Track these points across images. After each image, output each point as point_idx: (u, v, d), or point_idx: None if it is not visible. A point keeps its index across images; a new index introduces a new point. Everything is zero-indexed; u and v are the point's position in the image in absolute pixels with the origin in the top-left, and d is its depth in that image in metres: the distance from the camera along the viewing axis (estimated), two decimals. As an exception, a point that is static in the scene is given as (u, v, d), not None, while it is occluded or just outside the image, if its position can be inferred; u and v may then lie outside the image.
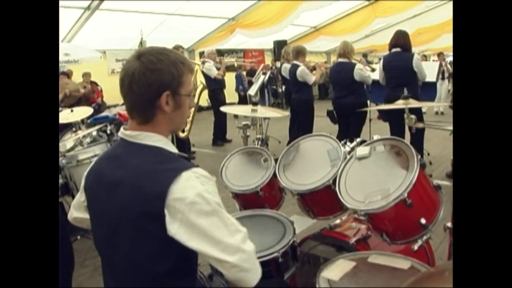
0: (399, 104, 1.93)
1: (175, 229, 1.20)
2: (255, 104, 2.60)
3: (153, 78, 1.26)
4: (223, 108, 3.12)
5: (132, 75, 1.26)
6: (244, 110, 2.65)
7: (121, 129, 1.38)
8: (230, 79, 11.33)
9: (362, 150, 2.03)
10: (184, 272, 1.34)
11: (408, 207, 1.75)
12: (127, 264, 1.31)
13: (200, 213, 1.20)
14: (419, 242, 2.16)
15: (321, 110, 6.32)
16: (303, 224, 3.23)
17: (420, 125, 1.96)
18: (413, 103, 2.00)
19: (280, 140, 7.38)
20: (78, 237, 3.87)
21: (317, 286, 1.64)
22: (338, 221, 2.35)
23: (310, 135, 2.43)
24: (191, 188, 1.20)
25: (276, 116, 2.62)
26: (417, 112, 4.91)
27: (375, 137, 2.10)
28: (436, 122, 7.99)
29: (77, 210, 1.60)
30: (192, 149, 7.29)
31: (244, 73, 13.80)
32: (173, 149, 1.37)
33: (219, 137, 7.94)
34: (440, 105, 9.71)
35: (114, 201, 1.29)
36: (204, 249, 1.22)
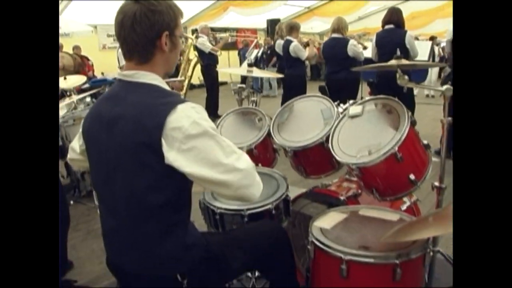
0: (392, 63, 1.97)
1: (172, 156, 1.25)
2: (250, 65, 2.62)
3: (155, 19, 1.32)
4: (221, 69, 3.12)
5: (134, 16, 1.30)
6: (240, 71, 2.67)
7: (118, 70, 1.42)
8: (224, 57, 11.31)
9: (354, 109, 2.08)
10: (179, 206, 1.40)
11: (398, 161, 1.81)
12: (124, 198, 1.36)
13: (196, 137, 1.26)
14: (407, 203, 2.24)
15: (314, 90, 6.34)
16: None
17: (411, 84, 2.00)
18: (405, 63, 2.03)
19: (272, 117, 7.40)
20: (71, 202, 3.91)
21: (310, 235, 1.70)
22: (329, 182, 2.41)
23: (304, 95, 2.47)
24: (186, 118, 1.26)
25: (271, 77, 2.63)
26: (410, 93, 4.97)
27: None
28: (427, 104, 8.08)
29: (73, 152, 1.65)
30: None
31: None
32: (168, 88, 1.42)
33: (211, 112, 7.93)
34: (431, 88, 9.77)
35: (113, 137, 1.34)
36: (201, 173, 1.27)
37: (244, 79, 6.59)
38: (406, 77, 2.00)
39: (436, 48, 10.48)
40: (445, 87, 1.94)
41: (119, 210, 1.39)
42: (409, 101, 4.98)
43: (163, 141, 1.25)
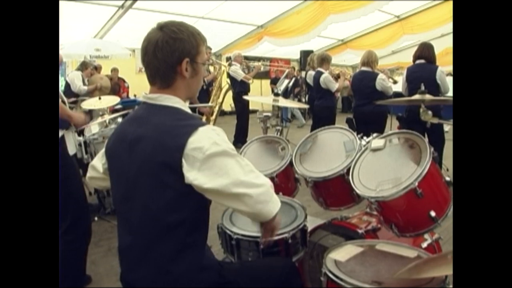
0: (416, 98, 1.98)
1: (193, 175, 1.31)
2: (277, 94, 2.67)
3: (176, 46, 1.40)
4: (246, 97, 3.19)
5: (156, 43, 1.39)
6: (266, 100, 2.73)
7: (143, 93, 1.50)
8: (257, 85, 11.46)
9: (377, 142, 2.08)
10: (196, 226, 1.44)
11: (418, 197, 1.79)
12: (142, 215, 1.41)
13: (216, 155, 1.31)
14: (429, 240, 2.20)
15: (343, 122, 6.34)
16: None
17: (435, 120, 2.00)
18: (429, 98, 2.03)
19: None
20: (96, 218, 4.01)
21: (323, 266, 1.69)
22: (350, 215, 2.40)
23: (328, 127, 2.49)
24: (207, 139, 1.32)
25: (296, 107, 2.67)
26: (439, 129, 4.91)
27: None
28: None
29: (93, 170, 1.71)
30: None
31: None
32: (190, 111, 1.49)
33: (240, 140, 8.01)
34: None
35: (135, 156, 1.40)
36: (220, 186, 1.32)
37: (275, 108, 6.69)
38: (430, 112, 2.01)
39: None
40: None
41: (136, 227, 1.43)
42: (438, 137, 4.91)
43: (183, 161, 1.31)
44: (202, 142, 1.31)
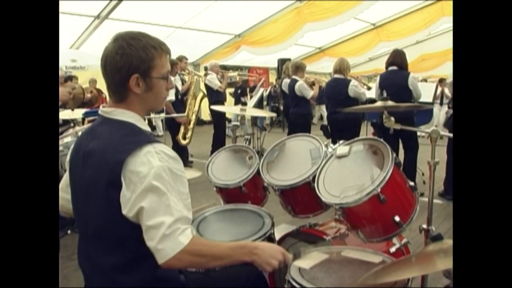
0: (378, 105, 2.00)
1: (126, 197, 1.29)
2: (244, 104, 2.68)
3: (122, 62, 1.35)
4: (213, 107, 3.19)
5: (106, 59, 1.37)
6: (234, 109, 2.74)
7: (101, 106, 1.47)
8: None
9: (341, 149, 2.10)
10: None
11: (381, 202, 1.80)
12: (95, 229, 1.39)
13: (147, 190, 1.27)
14: (397, 245, 2.21)
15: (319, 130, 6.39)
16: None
17: (398, 126, 2.03)
18: (391, 104, 2.06)
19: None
20: (68, 231, 3.93)
21: (287, 274, 1.69)
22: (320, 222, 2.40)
23: (296, 135, 2.50)
24: (147, 164, 1.28)
25: (262, 116, 2.68)
26: (413, 134, 4.99)
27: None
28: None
29: (63, 191, 1.65)
30: (190, 159, 7.38)
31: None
32: (145, 127, 1.45)
33: (217, 149, 7.99)
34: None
35: (85, 170, 1.39)
36: (140, 219, 1.29)
37: (254, 118, 6.71)
38: (392, 118, 2.03)
39: (446, 90, 10.52)
40: (431, 129, 1.97)
41: (89, 239, 1.42)
42: (412, 142, 4.99)
43: (122, 180, 1.29)
44: (141, 166, 1.28)
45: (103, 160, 1.32)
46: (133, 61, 1.35)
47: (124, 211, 1.29)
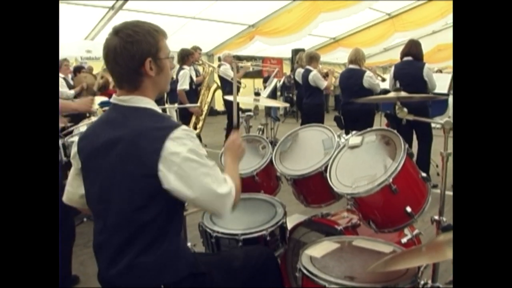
0: (392, 96, 2.00)
1: (171, 180, 1.35)
2: (257, 94, 2.69)
3: (135, 50, 1.39)
4: (227, 97, 3.21)
5: (115, 50, 1.39)
6: (248, 100, 2.76)
7: (113, 95, 1.50)
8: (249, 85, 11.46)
9: (354, 140, 2.10)
10: (171, 218, 1.46)
11: (393, 193, 1.81)
12: (117, 217, 1.42)
13: (192, 164, 1.36)
14: (409, 235, 2.22)
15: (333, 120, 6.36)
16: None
17: (411, 117, 2.02)
18: (404, 95, 2.05)
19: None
20: (85, 219, 4.01)
21: (299, 263, 1.71)
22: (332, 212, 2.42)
23: (309, 125, 2.51)
24: (183, 145, 1.35)
25: (276, 106, 2.68)
26: (427, 126, 4.95)
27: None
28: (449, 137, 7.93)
29: (70, 185, 1.67)
30: (204, 148, 7.41)
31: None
32: (160, 111, 1.52)
33: (231, 139, 8.01)
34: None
35: (110, 158, 1.41)
36: (192, 196, 1.39)
37: (268, 108, 6.72)
38: (405, 109, 2.02)
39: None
40: (444, 119, 1.96)
41: (111, 227, 1.45)
42: (426, 133, 4.95)
43: (160, 166, 1.33)
44: (179, 148, 1.35)
45: (135, 148, 1.36)
46: (144, 46, 1.40)
47: (176, 189, 1.37)
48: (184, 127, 1.42)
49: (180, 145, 1.35)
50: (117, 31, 1.40)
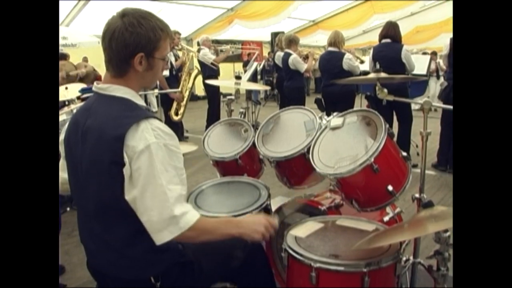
0: (372, 77, 2.02)
1: (127, 170, 1.33)
2: (238, 77, 2.69)
3: (131, 40, 1.36)
4: (208, 81, 3.20)
5: (113, 32, 1.37)
6: (228, 83, 2.75)
7: (94, 83, 1.49)
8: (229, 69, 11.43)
9: (335, 121, 2.12)
10: None
11: (374, 172, 1.83)
12: (96, 204, 1.42)
13: (141, 164, 1.31)
14: (391, 214, 2.27)
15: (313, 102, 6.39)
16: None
17: (391, 97, 2.04)
18: (385, 76, 2.08)
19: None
20: (68, 209, 3.97)
21: (284, 243, 1.74)
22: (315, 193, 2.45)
23: (290, 107, 2.52)
24: (143, 140, 1.31)
25: (257, 89, 2.69)
26: (406, 106, 5.02)
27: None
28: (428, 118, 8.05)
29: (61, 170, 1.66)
30: (186, 134, 7.40)
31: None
32: (141, 102, 1.47)
33: (212, 123, 7.98)
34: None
35: (85, 148, 1.40)
36: (131, 194, 1.34)
37: (249, 92, 6.70)
38: (385, 90, 2.05)
39: (441, 62, 10.48)
40: (423, 100, 1.99)
41: (91, 215, 1.45)
42: (406, 114, 5.02)
43: (124, 154, 1.31)
44: (138, 141, 1.31)
45: (102, 137, 1.34)
46: (142, 40, 1.37)
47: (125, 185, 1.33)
48: (153, 121, 1.37)
49: (141, 139, 1.31)
50: (124, 15, 1.38)
